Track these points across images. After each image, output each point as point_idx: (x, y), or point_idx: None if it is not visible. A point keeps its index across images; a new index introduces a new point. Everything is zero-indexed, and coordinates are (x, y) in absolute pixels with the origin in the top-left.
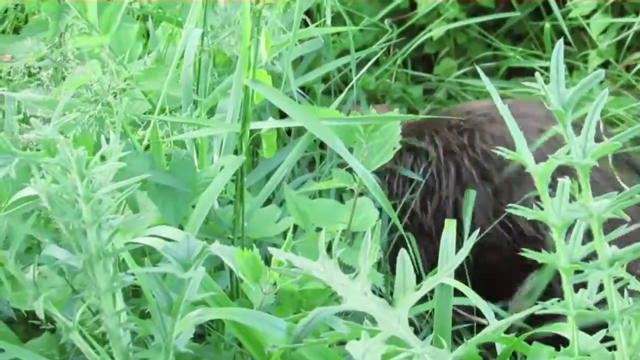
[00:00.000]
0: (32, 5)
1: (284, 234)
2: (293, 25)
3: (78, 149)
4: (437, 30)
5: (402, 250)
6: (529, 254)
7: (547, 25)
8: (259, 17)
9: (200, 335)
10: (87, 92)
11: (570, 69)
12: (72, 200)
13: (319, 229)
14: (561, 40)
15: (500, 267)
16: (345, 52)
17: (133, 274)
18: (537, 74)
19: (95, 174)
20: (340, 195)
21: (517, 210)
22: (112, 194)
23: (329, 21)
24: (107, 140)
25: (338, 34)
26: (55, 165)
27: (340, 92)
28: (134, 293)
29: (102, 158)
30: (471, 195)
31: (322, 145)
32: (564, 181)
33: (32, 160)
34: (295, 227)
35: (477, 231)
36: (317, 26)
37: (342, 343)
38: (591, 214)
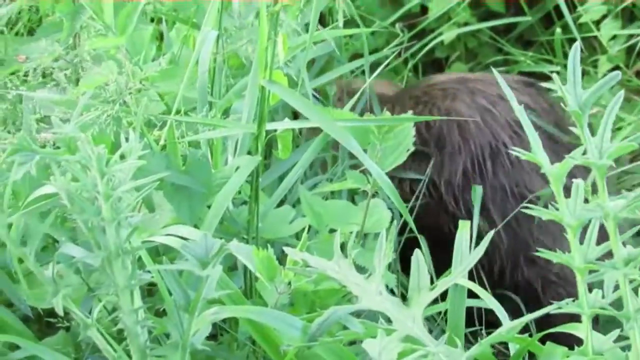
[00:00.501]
0: (47, 7)
1: (297, 235)
2: (310, 27)
3: (98, 146)
4: (448, 33)
5: (417, 251)
6: (543, 253)
7: (558, 30)
8: (277, 19)
9: (213, 335)
10: (104, 92)
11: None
12: (91, 197)
13: (331, 230)
14: (577, 43)
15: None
16: (356, 56)
17: (150, 272)
18: (554, 75)
19: (115, 171)
20: (352, 197)
21: (532, 210)
22: (130, 192)
23: (341, 24)
24: (127, 139)
25: (350, 37)
26: (75, 163)
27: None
28: (148, 292)
29: (122, 157)
30: (478, 191)
31: (334, 148)
32: (579, 182)
33: (52, 157)
34: (308, 228)
35: (491, 232)
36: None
37: (353, 343)
38: (607, 213)
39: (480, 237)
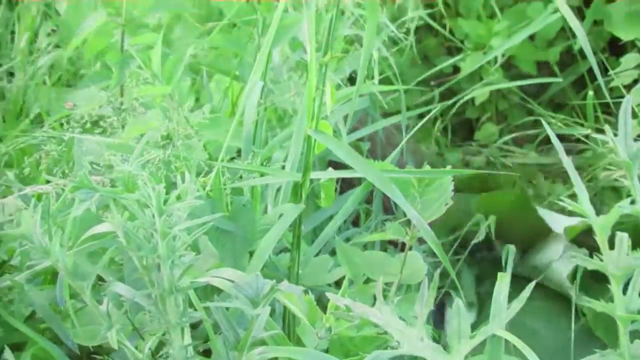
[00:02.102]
0: (90, 57)
1: (330, 284)
2: (357, 79)
3: (158, 185)
4: (479, 94)
5: (457, 299)
6: (589, 302)
7: (590, 93)
8: (326, 70)
9: None
10: (155, 137)
11: None
12: (147, 236)
13: (367, 281)
14: (629, 96)
15: None
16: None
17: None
18: (606, 126)
19: (173, 210)
20: (385, 250)
21: (578, 259)
22: (182, 233)
23: (377, 80)
24: (182, 180)
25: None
26: (133, 201)
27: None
28: None
29: (178, 197)
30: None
31: (368, 202)
32: (623, 235)
33: (111, 195)
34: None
35: (532, 283)
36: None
37: None
38: None
39: None
